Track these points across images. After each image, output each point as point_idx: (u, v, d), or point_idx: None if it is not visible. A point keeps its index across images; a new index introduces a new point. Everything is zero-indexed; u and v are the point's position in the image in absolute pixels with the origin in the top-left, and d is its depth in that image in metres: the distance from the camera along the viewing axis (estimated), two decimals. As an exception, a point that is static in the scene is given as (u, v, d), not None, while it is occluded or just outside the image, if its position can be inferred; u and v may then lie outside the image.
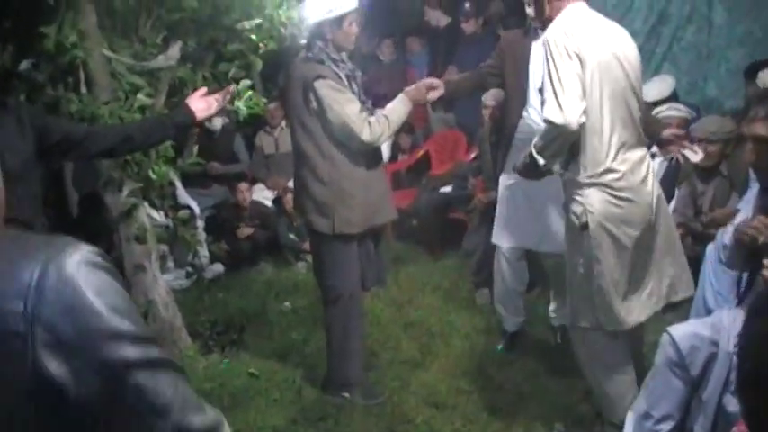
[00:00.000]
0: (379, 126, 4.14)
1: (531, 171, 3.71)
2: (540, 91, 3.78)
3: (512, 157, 4.72)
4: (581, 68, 3.41)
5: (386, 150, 6.10)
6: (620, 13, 6.41)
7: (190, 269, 6.40)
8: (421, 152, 8.06)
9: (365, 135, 4.08)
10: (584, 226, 3.54)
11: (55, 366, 1.06)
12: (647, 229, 3.62)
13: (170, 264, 6.34)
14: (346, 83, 4.14)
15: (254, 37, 4.50)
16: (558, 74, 3.38)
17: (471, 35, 7.82)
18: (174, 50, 4.63)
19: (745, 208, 4.52)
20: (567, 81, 3.38)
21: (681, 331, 2.74)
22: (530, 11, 4.42)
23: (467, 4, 7.71)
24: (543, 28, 3.76)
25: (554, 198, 4.65)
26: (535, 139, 3.60)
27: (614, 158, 3.52)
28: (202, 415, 1.22)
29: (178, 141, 4.83)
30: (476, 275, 5.96)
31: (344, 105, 4.06)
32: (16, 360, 1.06)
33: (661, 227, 3.71)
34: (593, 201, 3.53)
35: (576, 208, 3.58)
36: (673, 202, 4.95)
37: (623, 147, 3.53)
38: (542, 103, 3.54)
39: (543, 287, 5.24)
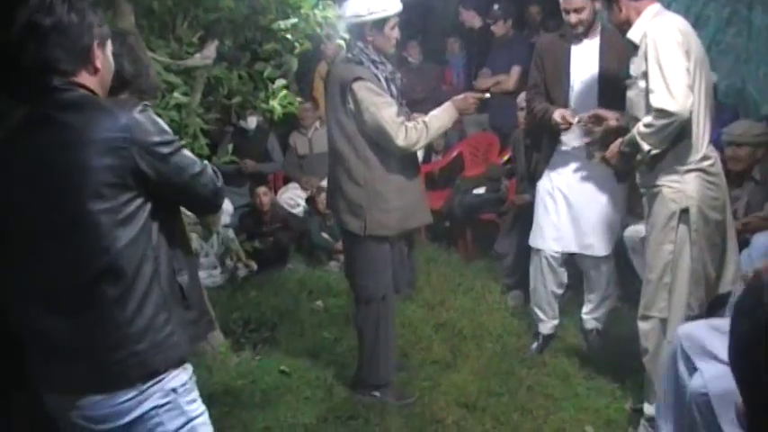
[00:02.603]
0: (415, 132, 4.12)
1: (626, 161, 3.97)
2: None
3: (556, 161, 4.72)
4: (688, 62, 3.66)
5: (419, 152, 6.11)
6: (658, 16, 6.35)
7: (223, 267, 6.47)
8: (455, 153, 8.05)
9: (400, 140, 4.08)
10: (685, 210, 3.75)
11: (141, 162, 2.23)
12: (726, 214, 3.92)
13: (203, 259, 6.38)
14: (385, 85, 4.13)
15: (289, 37, 4.51)
16: (669, 66, 3.62)
17: (502, 37, 7.80)
18: (210, 50, 4.67)
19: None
20: (678, 72, 3.62)
21: None
22: (571, 18, 4.49)
23: (495, 6, 7.68)
24: (621, 30, 3.94)
25: (594, 202, 4.65)
26: (639, 128, 3.73)
27: (708, 145, 3.81)
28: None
29: (213, 139, 4.87)
30: (508, 278, 5.95)
31: (381, 108, 4.05)
32: (125, 160, 2.20)
33: (728, 215, 3.97)
34: (693, 186, 3.76)
35: (674, 195, 3.77)
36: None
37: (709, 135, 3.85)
38: (649, 93, 3.67)
39: (576, 290, 5.21)
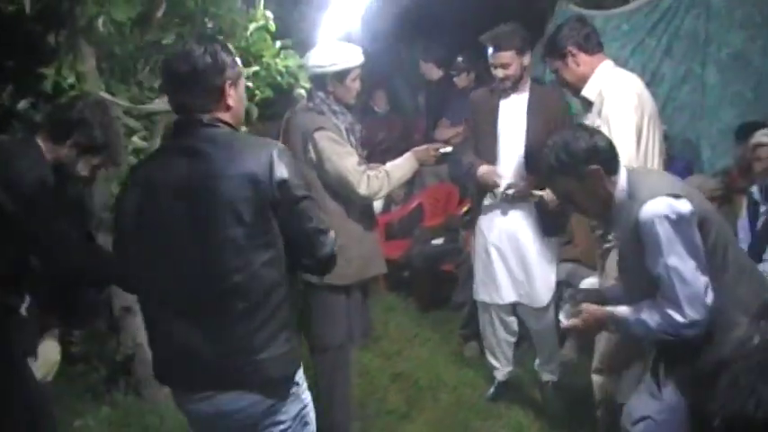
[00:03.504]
0: (377, 181, 4.14)
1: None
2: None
3: (485, 213, 4.78)
4: (641, 121, 3.76)
5: (379, 201, 6.14)
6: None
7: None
8: (414, 204, 8.09)
9: (363, 188, 4.09)
10: None
11: (277, 196, 2.54)
12: None
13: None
14: (345, 135, 4.16)
15: (250, 84, 4.54)
16: (620, 124, 3.69)
17: (463, 89, 7.91)
18: (171, 95, 4.68)
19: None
20: (629, 131, 3.70)
21: None
22: (498, 72, 4.58)
23: (459, 59, 7.79)
24: (574, 88, 4.01)
25: (525, 252, 4.70)
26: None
27: None
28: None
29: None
30: (464, 328, 5.95)
31: (343, 158, 4.06)
32: (264, 193, 2.52)
33: None
34: None
35: None
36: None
37: None
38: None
39: (531, 341, 5.23)
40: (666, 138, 6.19)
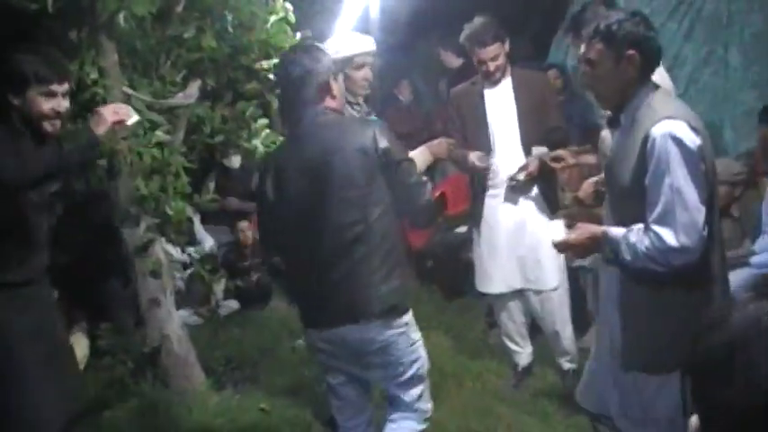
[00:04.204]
0: None
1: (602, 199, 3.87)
2: None
3: (489, 203, 4.80)
4: None
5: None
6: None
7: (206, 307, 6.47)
8: (437, 193, 8.06)
9: None
10: None
11: (383, 161, 3.17)
12: None
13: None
14: None
15: (271, 76, 4.56)
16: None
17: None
18: (193, 89, 4.71)
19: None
20: None
21: None
22: (489, 66, 4.66)
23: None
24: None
25: (532, 237, 4.69)
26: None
27: None
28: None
29: (196, 177, 4.90)
30: (489, 316, 5.97)
31: None
32: (372, 159, 3.17)
33: None
34: None
35: None
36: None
37: None
38: None
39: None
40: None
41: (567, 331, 4.96)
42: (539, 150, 4.66)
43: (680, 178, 2.70)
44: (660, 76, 3.78)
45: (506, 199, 4.80)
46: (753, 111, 6.04)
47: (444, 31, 8.47)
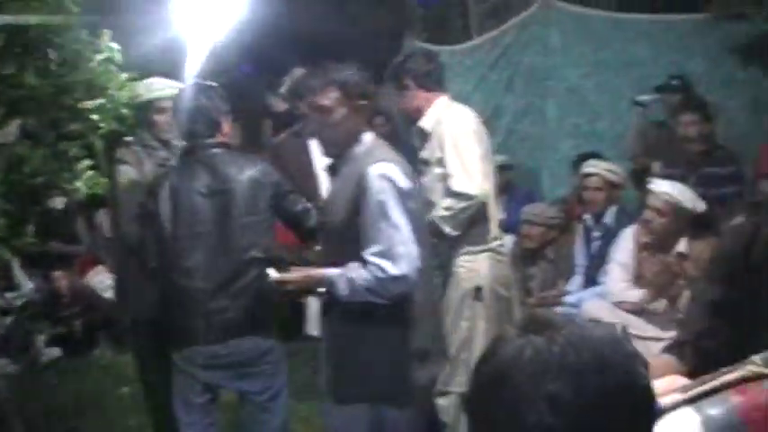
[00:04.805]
0: None
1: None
2: None
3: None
4: (481, 150, 3.91)
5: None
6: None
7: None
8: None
9: None
10: (478, 289, 3.91)
11: (275, 190, 3.68)
12: (512, 291, 4.20)
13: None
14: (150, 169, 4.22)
15: (95, 117, 4.47)
16: (467, 152, 3.83)
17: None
18: (13, 127, 4.55)
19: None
20: (475, 158, 3.84)
21: None
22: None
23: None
24: (410, 118, 4.14)
25: None
26: (439, 212, 3.83)
27: (496, 227, 4.04)
28: None
29: (14, 220, 4.71)
30: (316, 359, 5.97)
31: None
32: (267, 187, 3.66)
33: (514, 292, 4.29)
34: (486, 266, 3.96)
35: (468, 275, 3.93)
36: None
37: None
38: (446, 178, 3.83)
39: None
40: (509, 167, 6.48)
41: None
42: None
43: (396, 214, 2.90)
44: (476, 124, 3.99)
45: None
46: (568, 159, 6.41)
47: (272, 75, 8.58)
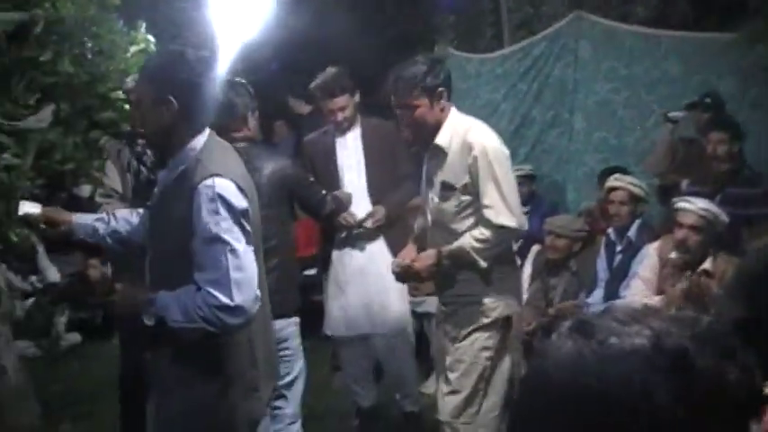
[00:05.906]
0: None
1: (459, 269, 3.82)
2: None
3: (338, 251, 4.94)
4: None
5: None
6: (487, 114, 6.72)
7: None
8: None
9: None
10: (506, 318, 3.82)
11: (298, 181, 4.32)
12: None
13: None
14: (125, 165, 4.58)
15: (127, 107, 4.53)
16: (506, 182, 3.66)
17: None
18: (46, 113, 4.60)
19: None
20: (514, 189, 3.74)
21: None
22: (338, 117, 4.77)
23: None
24: (426, 132, 3.81)
25: (385, 281, 4.80)
26: (473, 244, 3.67)
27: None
28: None
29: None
30: (333, 358, 6.00)
31: None
32: (291, 178, 4.21)
33: None
34: (512, 294, 3.89)
35: (496, 304, 3.78)
36: (525, 295, 5.17)
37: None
38: (483, 208, 3.65)
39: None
40: (534, 178, 6.49)
41: (410, 375, 5.07)
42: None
43: (233, 235, 2.66)
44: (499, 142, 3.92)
45: (354, 245, 4.88)
46: (594, 172, 6.40)
47: (293, 78, 8.63)
